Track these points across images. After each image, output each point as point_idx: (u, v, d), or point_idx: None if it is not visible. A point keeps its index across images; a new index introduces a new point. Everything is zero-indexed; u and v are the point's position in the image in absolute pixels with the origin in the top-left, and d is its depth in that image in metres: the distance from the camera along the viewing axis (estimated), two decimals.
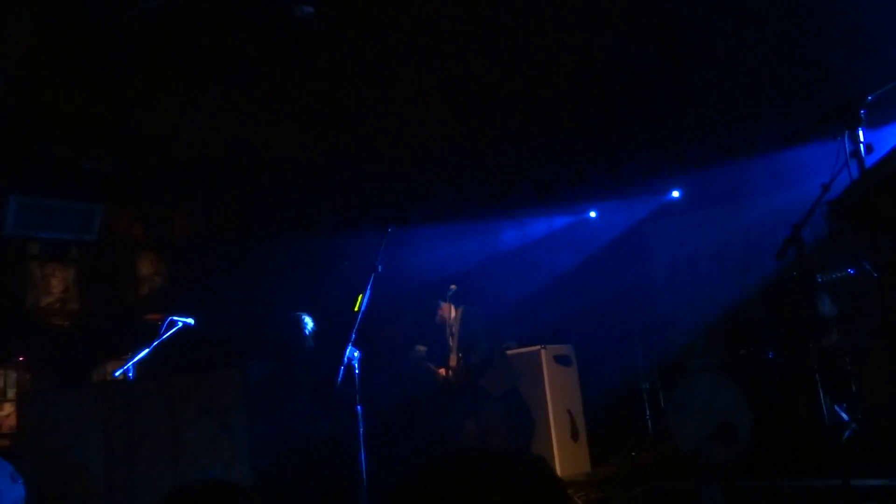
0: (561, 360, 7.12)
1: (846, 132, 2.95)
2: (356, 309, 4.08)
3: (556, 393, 6.90)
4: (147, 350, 4.61)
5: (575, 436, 6.95)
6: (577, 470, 6.80)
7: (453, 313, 6.09)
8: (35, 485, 4.11)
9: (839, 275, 6.05)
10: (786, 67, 5.71)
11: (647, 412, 6.70)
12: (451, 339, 6.08)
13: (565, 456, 6.79)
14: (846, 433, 5.38)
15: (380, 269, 4.21)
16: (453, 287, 6.13)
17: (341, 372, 4.11)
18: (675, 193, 8.04)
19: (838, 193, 2.93)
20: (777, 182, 7.22)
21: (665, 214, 8.46)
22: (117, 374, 4.63)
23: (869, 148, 3.03)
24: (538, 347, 7.00)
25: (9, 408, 7.08)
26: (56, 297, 7.44)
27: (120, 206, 6.49)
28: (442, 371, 5.98)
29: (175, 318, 4.64)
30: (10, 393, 7.15)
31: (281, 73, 5.52)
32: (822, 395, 4.71)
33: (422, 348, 5.94)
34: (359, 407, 4.02)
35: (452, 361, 5.98)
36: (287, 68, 5.28)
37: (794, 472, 5.33)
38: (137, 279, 7.90)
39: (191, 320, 4.70)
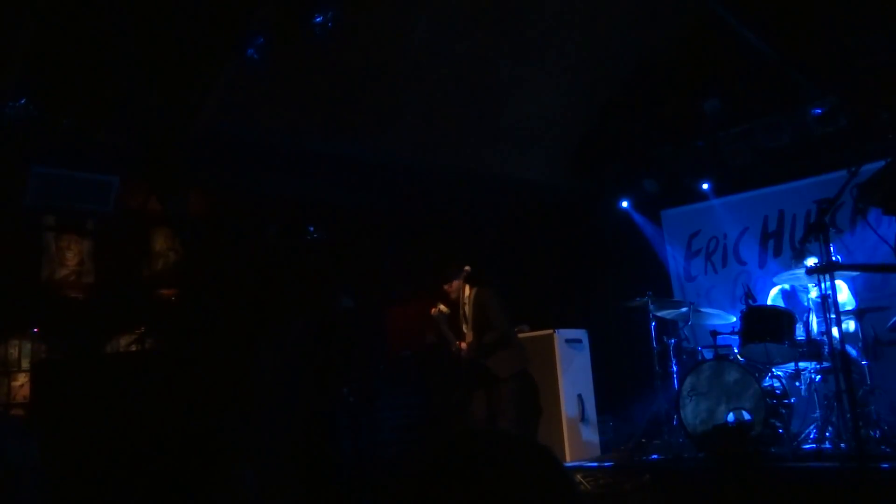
0: (573, 344, 7.10)
1: None
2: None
3: (568, 377, 6.89)
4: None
5: (585, 420, 6.93)
6: (587, 455, 6.79)
7: (467, 292, 6.06)
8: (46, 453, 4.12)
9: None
10: None
11: (660, 398, 6.66)
12: (463, 319, 6.06)
13: (575, 440, 6.78)
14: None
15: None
16: (467, 268, 6.09)
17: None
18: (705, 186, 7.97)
19: (867, 177, 2.89)
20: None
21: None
22: None
23: None
24: (551, 331, 6.98)
25: (22, 378, 7.14)
26: (71, 269, 7.48)
27: (136, 180, 6.49)
28: (461, 344, 5.97)
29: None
30: (25, 363, 7.21)
31: (299, 50, 5.50)
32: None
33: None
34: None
35: (467, 340, 5.97)
36: (306, 47, 5.26)
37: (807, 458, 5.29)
38: (152, 254, 7.93)
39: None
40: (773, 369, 6.05)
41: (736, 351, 6.24)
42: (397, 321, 8.36)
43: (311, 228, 7.42)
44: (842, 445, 5.26)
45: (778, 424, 5.79)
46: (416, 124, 6.97)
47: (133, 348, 7.37)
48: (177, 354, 5.56)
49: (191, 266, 7.80)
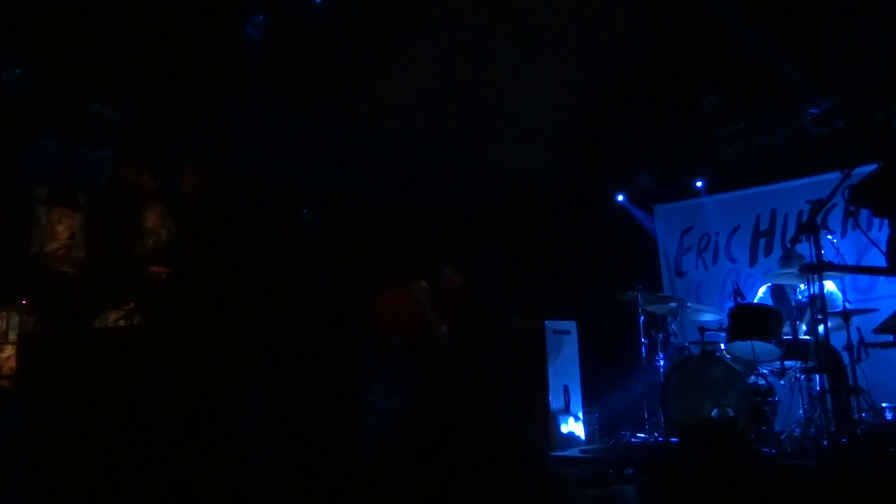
0: (562, 335, 7.13)
1: None
2: None
3: (556, 368, 6.92)
4: None
5: (570, 411, 6.97)
6: (571, 445, 6.83)
7: (458, 281, 6.09)
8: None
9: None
10: None
11: (646, 391, 6.72)
12: (452, 305, 6.09)
13: (560, 431, 6.83)
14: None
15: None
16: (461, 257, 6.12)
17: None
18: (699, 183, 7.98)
19: (859, 179, 2.91)
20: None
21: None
22: None
23: None
24: (540, 322, 7.01)
25: (10, 350, 7.12)
26: (61, 242, 7.45)
27: (130, 155, 6.46)
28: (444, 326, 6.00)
29: None
30: (12, 335, 7.18)
31: (299, 31, 5.47)
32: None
33: (425, 284, 5.94)
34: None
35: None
36: (306, 28, 5.24)
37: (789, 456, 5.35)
38: (143, 231, 7.90)
39: None
40: (759, 367, 6.09)
41: (723, 347, 6.28)
42: (387, 307, 8.36)
43: (305, 211, 7.41)
44: (824, 443, 5.32)
45: (762, 422, 5.84)
46: (415, 112, 6.96)
47: (122, 324, 7.36)
48: (166, 332, 5.56)
49: (182, 244, 7.78)
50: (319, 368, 6.05)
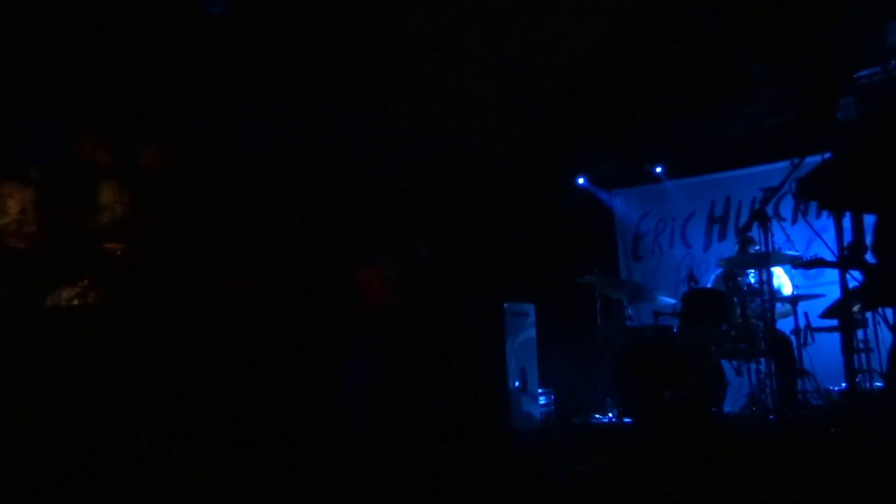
0: (520, 317, 7.22)
1: None
2: None
3: (513, 350, 7.01)
4: None
5: (527, 392, 7.08)
6: (528, 425, 6.94)
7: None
8: None
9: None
10: None
11: (601, 373, 6.85)
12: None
13: (516, 411, 6.93)
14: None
15: None
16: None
17: None
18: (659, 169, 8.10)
19: (807, 171, 3.00)
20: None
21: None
22: None
23: None
24: (499, 304, 7.08)
25: None
26: (12, 218, 7.25)
27: (85, 129, 6.32)
28: None
29: None
30: None
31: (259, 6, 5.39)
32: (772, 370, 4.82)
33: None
34: None
35: None
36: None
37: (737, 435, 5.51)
38: (98, 207, 7.73)
39: None
40: (711, 350, 6.25)
41: (676, 331, 6.43)
42: (358, 285, 8.34)
43: (267, 191, 7.33)
44: (769, 422, 5.50)
45: (712, 403, 6.00)
46: (377, 88, 6.92)
47: (76, 302, 7.23)
48: (121, 311, 5.48)
49: (138, 220, 7.65)
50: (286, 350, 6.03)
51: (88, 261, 7.53)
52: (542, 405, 7.25)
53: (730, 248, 7.17)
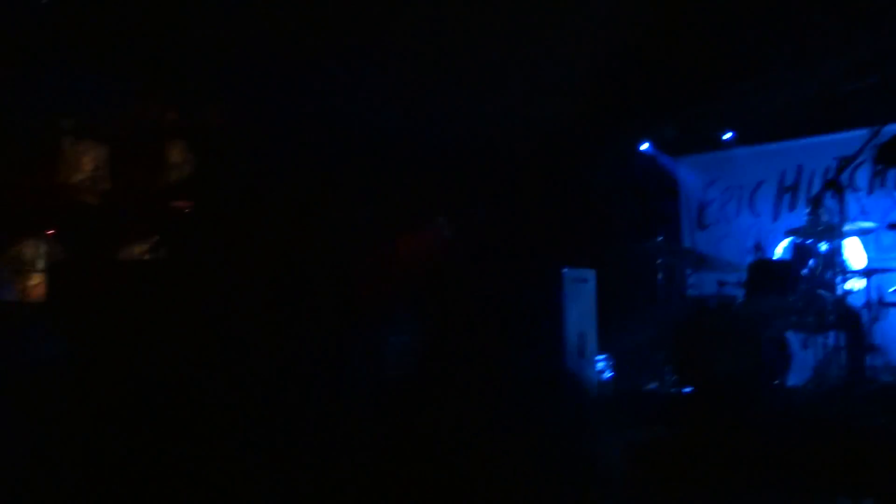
0: (579, 283, 7.17)
1: None
2: None
3: (572, 315, 6.98)
4: None
5: (585, 359, 7.05)
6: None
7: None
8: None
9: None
10: None
11: (661, 342, 6.77)
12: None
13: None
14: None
15: None
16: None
17: None
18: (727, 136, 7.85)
19: (889, 137, 2.85)
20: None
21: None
22: None
23: None
24: (558, 269, 7.04)
25: (38, 278, 7.28)
26: (87, 174, 7.52)
27: (156, 88, 6.48)
28: None
29: None
30: (39, 264, 7.33)
31: None
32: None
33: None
34: None
35: None
36: None
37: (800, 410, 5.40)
38: (167, 165, 7.95)
39: None
40: (775, 322, 6.11)
41: (740, 301, 6.30)
42: (408, 247, 8.42)
43: (324, 148, 7.40)
44: (836, 398, 5.37)
45: (775, 376, 5.88)
46: (436, 50, 6.88)
47: (146, 257, 7.48)
48: (190, 266, 5.65)
49: (205, 179, 7.84)
50: (340, 307, 6.14)
51: (158, 218, 7.78)
52: (600, 372, 7.23)
53: (800, 218, 6.96)
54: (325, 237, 6.44)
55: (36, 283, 7.21)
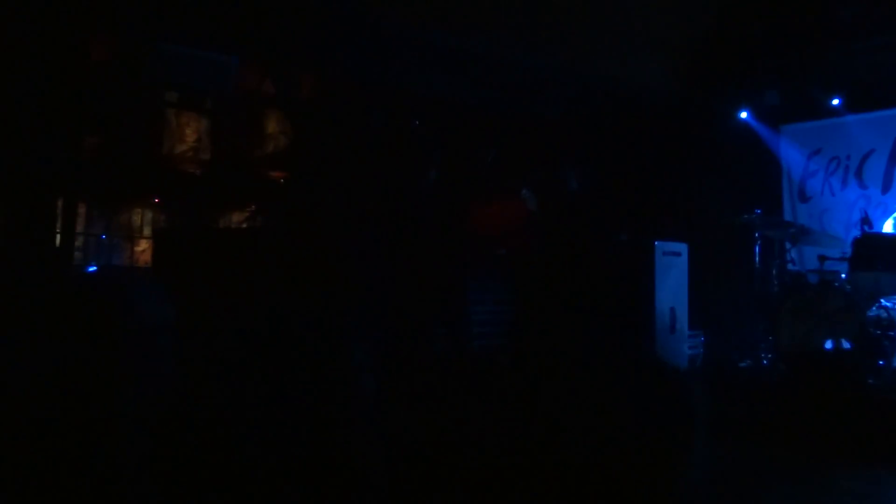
0: (671, 256, 7.02)
1: None
2: None
3: (663, 289, 6.85)
4: None
5: (676, 332, 6.93)
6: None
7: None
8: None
9: None
10: None
11: (757, 318, 6.58)
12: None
13: (664, 351, 6.82)
14: None
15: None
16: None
17: None
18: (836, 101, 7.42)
19: None
20: None
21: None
22: None
23: None
24: (650, 241, 6.91)
25: (144, 244, 7.68)
26: (189, 145, 7.85)
27: (254, 61, 6.66)
28: None
29: None
30: (147, 230, 7.73)
31: None
32: None
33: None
34: None
35: None
36: None
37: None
38: (264, 136, 8.20)
39: None
40: (882, 300, 5.83)
41: (843, 277, 6.03)
42: (492, 217, 8.42)
43: (416, 122, 7.45)
44: None
45: (878, 356, 5.63)
46: (527, 20, 6.79)
47: (244, 225, 7.77)
48: (287, 235, 5.84)
49: (299, 150, 8.04)
50: (423, 276, 6.22)
51: (255, 187, 8.05)
52: (691, 347, 7.09)
53: None
54: (416, 208, 6.51)
55: (143, 248, 7.61)
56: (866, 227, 5.98)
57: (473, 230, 7.54)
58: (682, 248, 7.15)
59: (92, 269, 7.26)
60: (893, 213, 6.46)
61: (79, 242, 6.96)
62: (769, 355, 6.25)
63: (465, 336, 6.18)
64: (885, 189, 7.34)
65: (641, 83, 7.89)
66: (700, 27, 7.76)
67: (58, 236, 5.58)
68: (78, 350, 1.66)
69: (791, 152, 8.04)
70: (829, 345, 5.68)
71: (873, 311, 5.77)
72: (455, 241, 6.41)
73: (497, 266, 7.74)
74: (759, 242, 6.59)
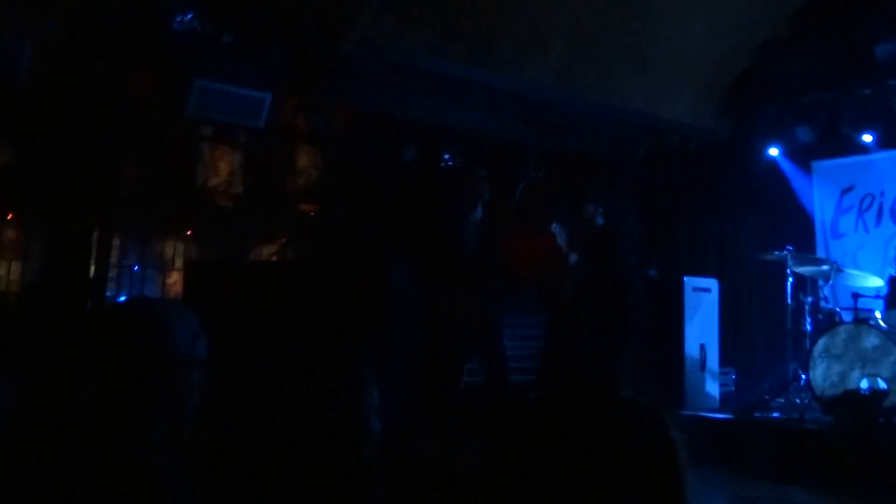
0: (701, 292, 6.95)
1: None
2: None
3: (693, 325, 6.78)
4: None
5: (706, 371, 6.83)
6: (705, 406, 6.71)
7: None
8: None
9: None
10: None
11: (789, 356, 6.46)
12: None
13: (694, 390, 6.72)
14: None
15: None
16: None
17: None
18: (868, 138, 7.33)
19: None
20: None
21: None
22: None
23: None
24: (679, 278, 6.86)
25: (176, 275, 7.79)
26: (222, 178, 7.98)
27: (287, 96, 6.78)
28: None
29: None
30: (178, 262, 7.84)
31: None
32: None
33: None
34: None
35: None
36: None
37: None
38: (295, 170, 8.31)
39: None
40: None
41: (878, 316, 5.92)
42: (523, 250, 8.43)
43: (447, 156, 7.51)
44: None
45: None
46: (560, 55, 6.84)
47: (275, 258, 7.85)
48: (316, 267, 5.89)
49: (331, 183, 8.13)
50: (452, 309, 6.22)
51: (286, 220, 8.14)
52: (722, 385, 6.98)
53: None
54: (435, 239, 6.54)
55: (174, 280, 7.71)
56: None
57: (506, 264, 7.56)
58: (713, 283, 7.09)
59: (121, 298, 7.38)
60: None
61: (112, 273, 7.08)
62: (803, 395, 6.13)
63: (500, 370, 6.15)
64: None
65: (674, 119, 7.90)
66: (733, 64, 7.76)
67: (92, 267, 5.68)
68: (109, 381, 1.67)
69: (823, 189, 7.95)
70: (864, 384, 5.56)
71: None
72: (492, 274, 6.42)
73: (527, 301, 7.72)
74: (791, 279, 6.50)
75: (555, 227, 6.50)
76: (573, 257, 6.34)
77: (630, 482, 1.06)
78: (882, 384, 5.47)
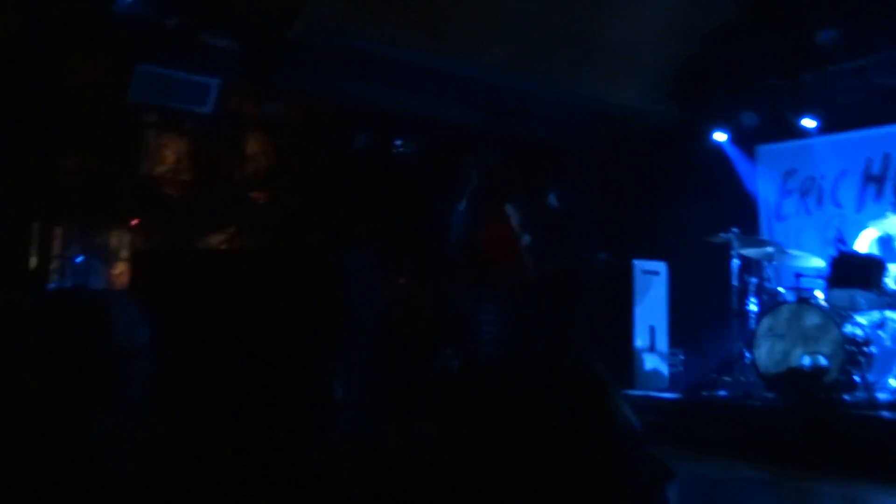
0: (650, 275, 7.07)
1: None
2: None
3: (642, 307, 6.90)
4: None
5: (655, 351, 6.96)
6: (654, 385, 6.84)
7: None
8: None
9: None
10: None
11: (735, 336, 6.62)
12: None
13: (643, 370, 6.84)
14: None
15: None
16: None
17: None
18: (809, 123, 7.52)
19: None
20: None
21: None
22: None
23: None
24: (628, 261, 6.96)
25: (121, 266, 7.60)
26: (168, 166, 7.80)
27: (235, 83, 6.66)
28: None
29: None
30: (123, 253, 7.65)
31: None
32: None
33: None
34: None
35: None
36: None
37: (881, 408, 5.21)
38: (245, 157, 8.17)
39: None
40: (856, 316, 5.90)
41: (819, 295, 6.10)
42: (482, 235, 8.45)
43: (399, 142, 7.48)
44: None
45: (855, 372, 5.68)
46: (512, 41, 6.86)
47: (223, 247, 7.73)
48: (266, 256, 5.81)
49: (281, 170, 8.03)
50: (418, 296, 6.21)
51: (235, 208, 8.01)
52: (671, 365, 7.12)
53: (886, 209, 6.67)
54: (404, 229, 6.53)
55: (120, 271, 7.53)
56: (842, 246, 6.06)
57: (468, 250, 7.58)
58: (662, 266, 7.21)
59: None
60: (867, 231, 6.55)
61: (54, 265, 6.88)
62: (748, 374, 6.29)
63: (471, 355, 6.17)
64: (859, 208, 7.45)
65: (624, 104, 7.99)
66: (680, 51, 7.88)
67: (32, 258, 5.52)
68: (46, 372, 1.63)
69: (767, 172, 8.15)
70: (806, 361, 5.72)
71: (849, 328, 5.82)
72: (467, 262, 6.44)
73: (488, 286, 7.76)
74: (737, 261, 6.65)
75: (508, 207, 6.55)
76: (526, 238, 6.39)
77: (566, 427, 1.07)
78: (823, 361, 5.64)
